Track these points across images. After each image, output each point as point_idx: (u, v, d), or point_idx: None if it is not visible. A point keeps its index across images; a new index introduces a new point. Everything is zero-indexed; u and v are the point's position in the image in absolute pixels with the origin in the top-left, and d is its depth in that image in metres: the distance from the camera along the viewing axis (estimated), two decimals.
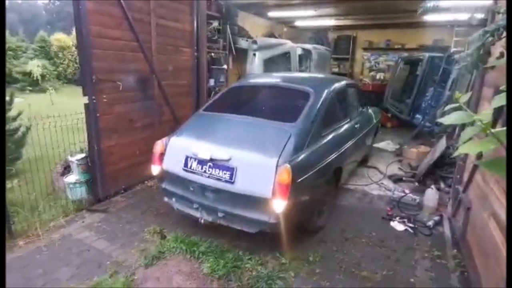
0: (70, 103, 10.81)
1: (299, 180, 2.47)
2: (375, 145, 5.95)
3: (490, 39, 1.42)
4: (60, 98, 12.19)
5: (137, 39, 3.70)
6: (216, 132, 2.97)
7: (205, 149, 2.68)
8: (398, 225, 3.29)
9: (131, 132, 3.87)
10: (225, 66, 6.14)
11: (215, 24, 5.96)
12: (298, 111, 2.93)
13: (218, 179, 2.59)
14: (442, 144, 4.44)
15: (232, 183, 2.53)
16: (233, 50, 6.46)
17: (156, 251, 2.72)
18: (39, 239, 2.89)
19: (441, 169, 4.38)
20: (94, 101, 3.32)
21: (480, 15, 2.46)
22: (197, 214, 2.78)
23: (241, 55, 6.64)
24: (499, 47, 1.55)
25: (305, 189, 2.63)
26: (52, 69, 16.40)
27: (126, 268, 2.54)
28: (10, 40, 15.94)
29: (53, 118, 3.12)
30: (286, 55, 7.14)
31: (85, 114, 3.33)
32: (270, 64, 6.49)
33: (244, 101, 3.58)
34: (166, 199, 3.04)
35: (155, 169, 2.99)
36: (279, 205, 2.36)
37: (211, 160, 2.62)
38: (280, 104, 3.38)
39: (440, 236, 3.14)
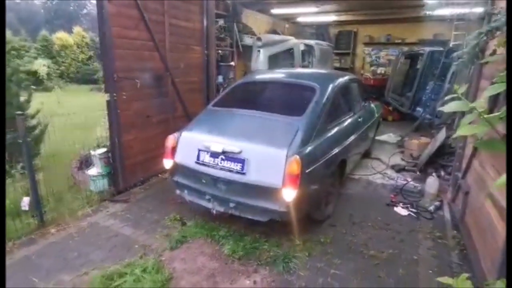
0: (75, 101, 11.04)
1: (308, 170, 2.58)
2: (378, 137, 6.15)
3: (484, 38, 1.63)
4: (64, 97, 12.36)
5: (153, 38, 3.90)
6: (227, 126, 3.08)
7: (217, 142, 2.77)
8: (401, 210, 3.52)
9: (148, 127, 4.08)
10: (232, 63, 6.32)
11: (221, 22, 6.14)
12: (304, 105, 3.02)
13: (230, 171, 2.69)
14: (442, 134, 4.64)
15: (244, 174, 2.63)
16: (240, 47, 6.63)
17: (179, 236, 2.95)
18: (69, 226, 3.12)
19: (441, 158, 4.59)
20: (115, 98, 3.52)
21: (479, 10, 2.62)
22: (209, 205, 2.89)
23: (245, 52, 6.81)
24: (492, 45, 1.77)
25: (313, 179, 2.73)
26: (55, 68, 16.57)
27: (153, 251, 2.77)
28: (13, 39, 16.05)
29: (68, 115, 3.29)
30: (289, 51, 7.32)
31: (107, 110, 3.54)
32: (274, 60, 6.66)
33: (251, 97, 3.70)
34: (178, 191, 3.14)
35: (167, 163, 3.08)
36: (289, 194, 2.46)
37: (223, 152, 2.71)
38: (287, 99, 3.48)
39: (441, 220, 3.37)
